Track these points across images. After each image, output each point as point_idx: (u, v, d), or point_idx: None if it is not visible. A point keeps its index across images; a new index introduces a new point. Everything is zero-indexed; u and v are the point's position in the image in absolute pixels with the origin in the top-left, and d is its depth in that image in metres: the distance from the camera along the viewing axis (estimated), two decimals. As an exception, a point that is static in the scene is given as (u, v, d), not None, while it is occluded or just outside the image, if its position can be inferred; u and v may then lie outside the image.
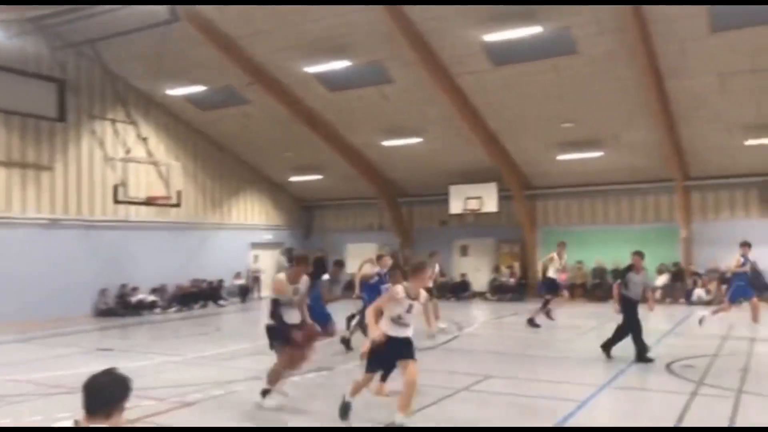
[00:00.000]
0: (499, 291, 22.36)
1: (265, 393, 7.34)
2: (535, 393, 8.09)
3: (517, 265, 23.03)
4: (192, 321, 17.70)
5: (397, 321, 6.26)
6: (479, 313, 18.82)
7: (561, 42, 15.21)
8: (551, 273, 14.53)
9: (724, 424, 6.44)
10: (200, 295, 21.37)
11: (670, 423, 6.48)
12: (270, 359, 7.75)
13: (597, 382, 8.38)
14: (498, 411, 7.25)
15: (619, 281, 10.48)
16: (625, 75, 15.89)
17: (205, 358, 10.90)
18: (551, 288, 14.60)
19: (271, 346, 7.54)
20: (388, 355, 6.29)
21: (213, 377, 9.08)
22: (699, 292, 19.51)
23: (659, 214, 21.28)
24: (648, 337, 10.26)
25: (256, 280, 24.41)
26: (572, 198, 22.65)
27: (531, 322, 14.33)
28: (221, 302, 21.77)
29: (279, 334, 7.36)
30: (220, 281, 22.39)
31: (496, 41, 15.30)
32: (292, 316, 7.42)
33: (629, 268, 10.50)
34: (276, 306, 7.41)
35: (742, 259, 12.65)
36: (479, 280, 23.39)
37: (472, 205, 22.52)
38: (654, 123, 17.45)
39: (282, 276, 7.56)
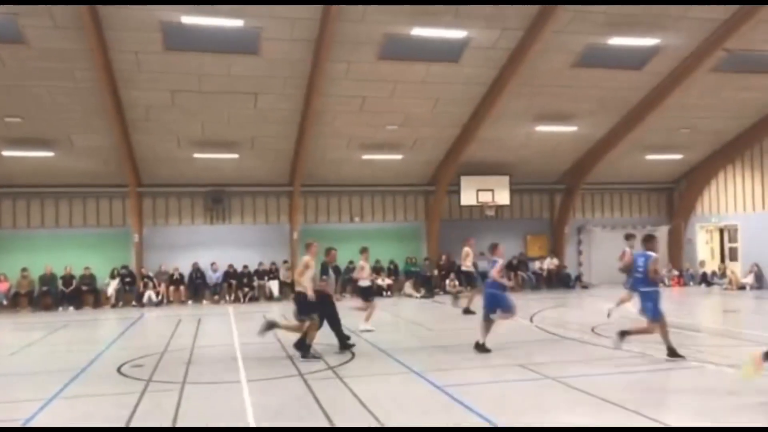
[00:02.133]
0: None
1: None
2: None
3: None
4: None
5: None
6: None
7: (9, 28, 13.79)
8: None
9: (171, 413, 7.01)
10: None
11: (122, 422, 6.66)
12: None
13: (44, 396, 7.93)
14: None
15: (324, 277, 10.77)
16: (81, 77, 15.50)
17: None
18: None
19: None
20: None
21: None
22: (150, 294, 20.45)
23: (114, 218, 21.46)
24: (101, 344, 10.24)
25: None
26: (20, 199, 20.70)
27: None
28: None
29: None
30: None
31: None
32: None
33: (327, 264, 10.95)
34: None
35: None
36: None
37: None
38: (109, 129, 17.56)
39: None
